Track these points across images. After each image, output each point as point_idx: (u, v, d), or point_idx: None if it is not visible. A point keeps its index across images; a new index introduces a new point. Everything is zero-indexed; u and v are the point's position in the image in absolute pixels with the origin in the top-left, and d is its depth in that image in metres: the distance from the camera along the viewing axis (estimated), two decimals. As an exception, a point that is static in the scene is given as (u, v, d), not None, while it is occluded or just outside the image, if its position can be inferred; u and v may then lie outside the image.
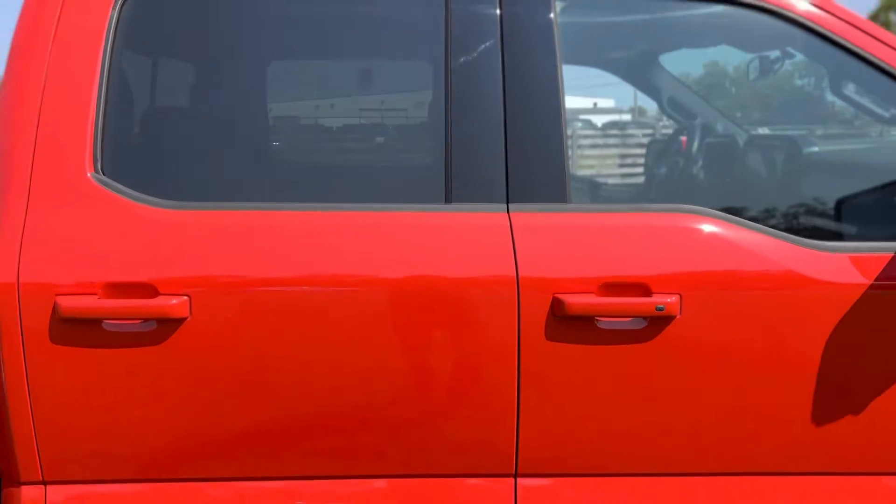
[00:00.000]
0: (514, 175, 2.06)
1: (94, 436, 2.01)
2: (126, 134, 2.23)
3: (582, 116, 19.88)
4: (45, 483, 2.02)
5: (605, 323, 2.01)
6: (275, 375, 2.00)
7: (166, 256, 1.97)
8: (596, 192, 4.06)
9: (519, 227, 2.03)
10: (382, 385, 2.02)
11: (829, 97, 2.79)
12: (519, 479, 2.09)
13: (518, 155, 2.07)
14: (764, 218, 2.27)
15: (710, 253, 2.05)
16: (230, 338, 1.97)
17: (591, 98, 22.23)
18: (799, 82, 8.86)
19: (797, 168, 3.02)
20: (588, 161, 15.08)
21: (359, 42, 2.42)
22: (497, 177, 2.07)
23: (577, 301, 1.98)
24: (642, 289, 2.00)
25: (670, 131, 3.87)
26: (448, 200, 2.06)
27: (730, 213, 2.12)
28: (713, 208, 2.12)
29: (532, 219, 2.04)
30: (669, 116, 3.62)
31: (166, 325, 1.94)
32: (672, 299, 1.99)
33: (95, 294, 1.93)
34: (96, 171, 2.01)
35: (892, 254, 2.05)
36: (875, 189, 2.34)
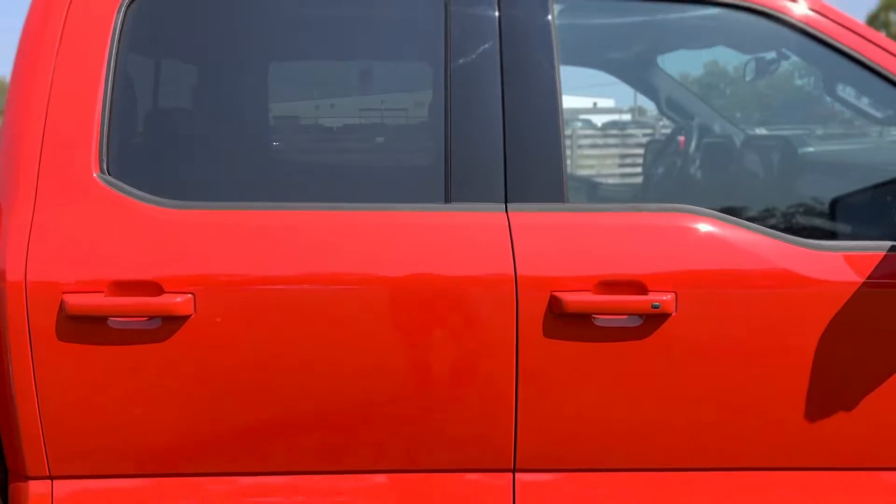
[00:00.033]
0: (512, 175, 2.09)
1: (100, 431, 2.04)
2: (131, 135, 2.25)
3: (582, 116, 19.88)
4: (51, 478, 2.05)
5: (601, 320, 2.04)
6: (277, 372, 2.03)
7: (171, 255, 2.00)
8: (593, 191, 4.09)
9: (517, 226, 2.06)
10: (383, 382, 2.05)
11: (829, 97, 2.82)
12: (517, 475, 2.12)
13: (516, 155, 2.10)
14: (759, 217, 2.29)
15: (705, 252, 2.08)
16: (233, 335, 2.00)
17: (591, 98, 22.23)
18: (799, 82, 8.88)
19: (793, 168, 3.05)
20: (588, 161, 15.08)
21: (360, 44, 2.44)
22: (496, 177, 2.09)
23: (574, 299, 2.01)
24: (638, 287, 2.03)
25: (670, 131, 3.89)
26: (448, 200, 2.09)
27: (726, 213, 2.15)
28: (710, 207, 2.14)
29: (530, 218, 2.07)
30: (667, 117, 3.64)
31: (171, 323, 1.97)
32: (668, 297, 2.02)
33: (101, 292, 1.96)
34: (102, 172, 2.04)
35: (884, 252, 2.08)
36: (868, 189, 2.37)
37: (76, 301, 1.95)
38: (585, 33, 2.82)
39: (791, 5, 2.19)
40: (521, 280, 2.02)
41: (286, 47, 2.47)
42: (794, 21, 2.19)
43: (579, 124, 17.66)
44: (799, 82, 8.85)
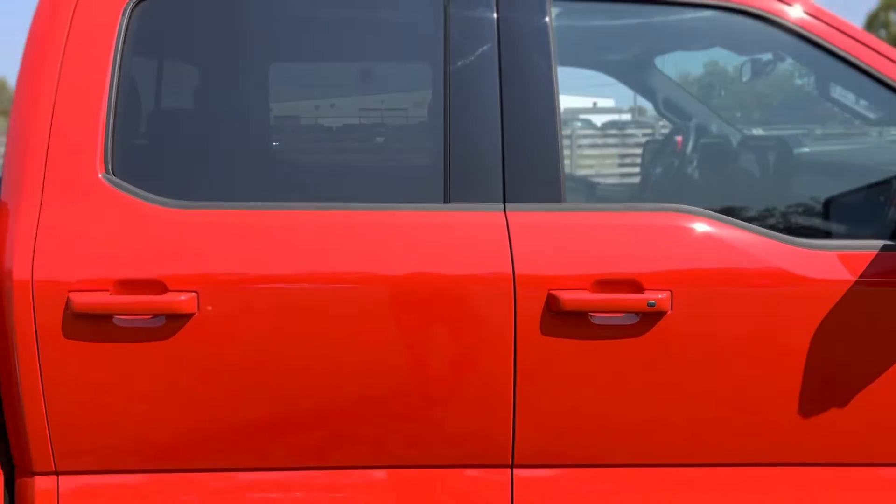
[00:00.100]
0: (510, 175, 2.12)
1: (105, 428, 2.06)
2: (136, 136, 2.28)
3: (582, 116, 19.90)
4: (57, 473, 2.08)
5: (598, 318, 2.07)
6: (278, 369, 2.05)
7: (174, 254, 2.03)
8: (590, 191, 4.12)
9: (515, 225, 2.09)
10: (383, 379, 2.07)
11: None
12: (515, 470, 2.15)
13: (515, 156, 2.13)
14: (754, 217, 2.32)
15: (700, 251, 2.11)
16: (236, 333, 2.03)
17: (590, 97, 22.26)
18: (799, 82, 8.90)
19: (788, 168, 3.08)
20: (588, 160, 15.10)
21: (360, 45, 2.47)
22: (494, 177, 2.12)
23: (571, 297, 2.04)
24: (634, 285, 2.06)
25: (668, 131, 3.91)
26: (447, 200, 2.12)
27: (721, 212, 2.18)
28: (706, 207, 2.17)
29: (528, 218, 2.10)
30: (665, 117, 3.67)
31: (175, 321, 2.00)
32: (663, 295, 2.05)
33: (107, 290, 1.99)
34: (107, 172, 2.06)
35: (876, 251, 2.11)
36: (862, 189, 2.40)
37: (82, 299, 1.98)
38: (583, 35, 2.84)
39: (785, 8, 2.22)
40: (519, 279, 2.05)
41: (288, 49, 2.50)
42: (788, 24, 2.22)
43: (579, 124, 17.68)
44: (799, 82, 8.86)
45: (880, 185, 2.31)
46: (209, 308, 2.00)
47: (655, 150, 3.95)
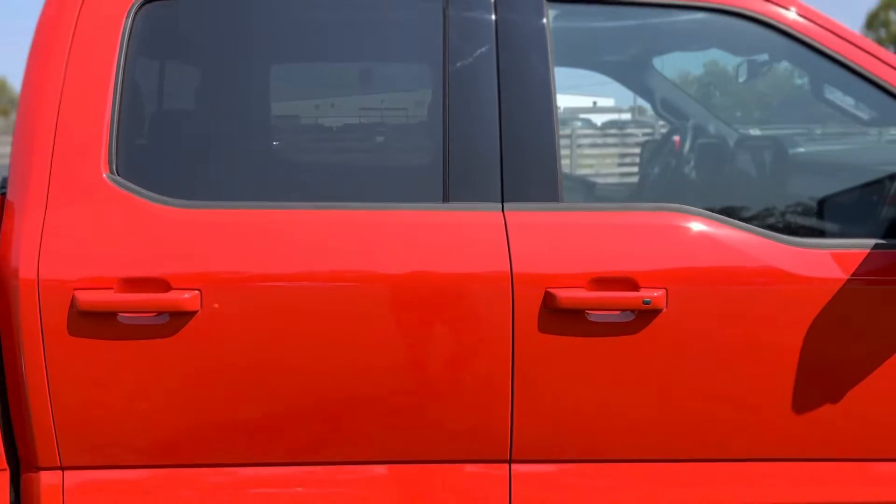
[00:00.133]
0: (508, 175, 2.15)
1: (110, 423, 2.09)
2: (139, 136, 2.30)
3: (582, 115, 19.89)
4: (62, 469, 2.10)
5: (594, 316, 2.10)
6: (279, 366, 2.08)
7: (178, 253, 2.06)
8: (589, 190, 4.14)
9: (513, 224, 2.12)
10: (382, 375, 2.10)
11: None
12: (513, 465, 2.18)
13: (513, 156, 2.16)
14: (749, 216, 2.35)
15: (695, 249, 2.14)
16: (238, 330, 2.06)
17: (591, 97, 22.25)
18: (799, 81, 8.90)
19: (783, 168, 3.10)
20: (587, 160, 15.10)
21: (360, 47, 2.49)
22: (492, 177, 2.15)
23: (568, 295, 2.07)
24: (630, 283, 2.09)
25: (666, 131, 3.94)
26: (446, 199, 2.15)
27: (717, 211, 2.20)
28: (702, 206, 2.20)
29: (525, 217, 2.13)
30: (662, 118, 3.70)
31: (178, 318, 2.03)
32: (658, 293, 2.08)
33: (111, 288, 2.02)
34: (111, 172, 2.09)
35: (868, 250, 2.14)
36: (855, 188, 2.43)
37: (87, 297, 2.00)
38: (580, 36, 2.87)
39: (779, 10, 2.25)
40: (516, 277, 2.08)
41: (290, 51, 2.52)
42: (781, 26, 2.24)
43: (579, 123, 17.68)
44: (799, 82, 8.86)
45: (873, 184, 2.34)
46: (215, 305, 2.03)
47: (653, 150, 3.97)
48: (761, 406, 2.18)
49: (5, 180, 2.53)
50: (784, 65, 2.95)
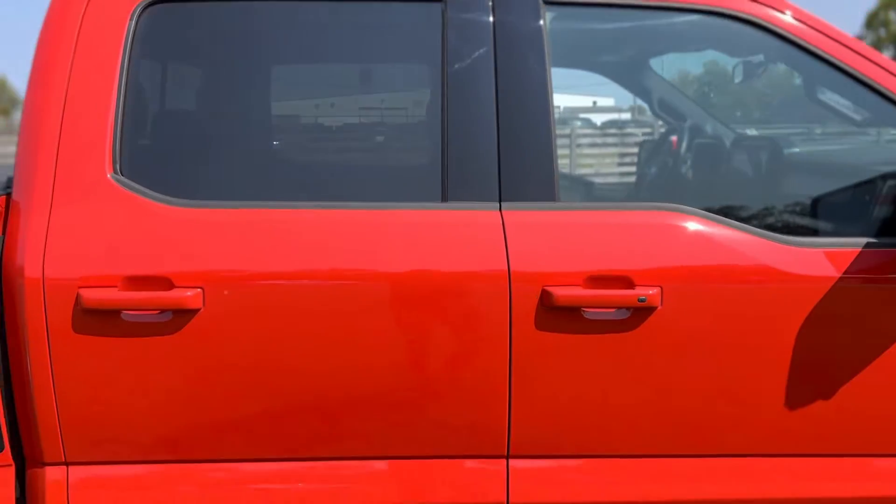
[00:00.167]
0: (506, 175, 2.18)
1: (114, 419, 2.12)
2: (143, 136, 2.33)
3: (582, 115, 19.87)
4: (66, 464, 2.13)
5: (590, 313, 2.13)
6: (280, 363, 2.11)
7: (181, 252, 2.09)
8: (587, 190, 4.17)
9: (511, 224, 2.15)
10: (382, 372, 2.13)
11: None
12: (511, 461, 2.21)
13: (510, 156, 2.19)
14: (744, 215, 2.37)
15: (690, 248, 2.17)
16: (240, 328, 2.09)
17: (590, 96, 22.22)
18: (798, 81, 8.90)
19: (778, 168, 3.14)
20: (587, 160, 15.11)
21: (359, 49, 2.52)
22: (490, 177, 2.18)
23: (564, 293, 2.10)
24: (626, 281, 2.12)
25: (664, 131, 3.97)
26: (445, 199, 2.18)
27: (712, 211, 2.23)
28: (698, 205, 2.23)
29: (523, 216, 2.16)
30: (659, 118, 3.73)
31: (181, 316, 2.06)
32: (653, 291, 2.11)
33: (115, 287, 2.05)
34: (115, 172, 2.12)
35: (859, 249, 2.18)
36: (848, 188, 2.47)
37: (91, 295, 2.03)
38: (577, 38, 2.90)
39: (773, 13, 2.28)
40: (514, 275, 2.11)
41: (291, 52, 2.56)
42: (775, 28, 2.27)
43: (579, 123, 17.67)
44: (798, 81, 8.86)
45: (865, 184, 2.37)
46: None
47: (651, 150, 4.01)
48: (755, 402, 2.21)
49: (10, 180, 2.56)
50: (780, 66, 2.97)
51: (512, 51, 2.24)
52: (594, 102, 22.71)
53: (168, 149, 2.38)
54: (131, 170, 2.14)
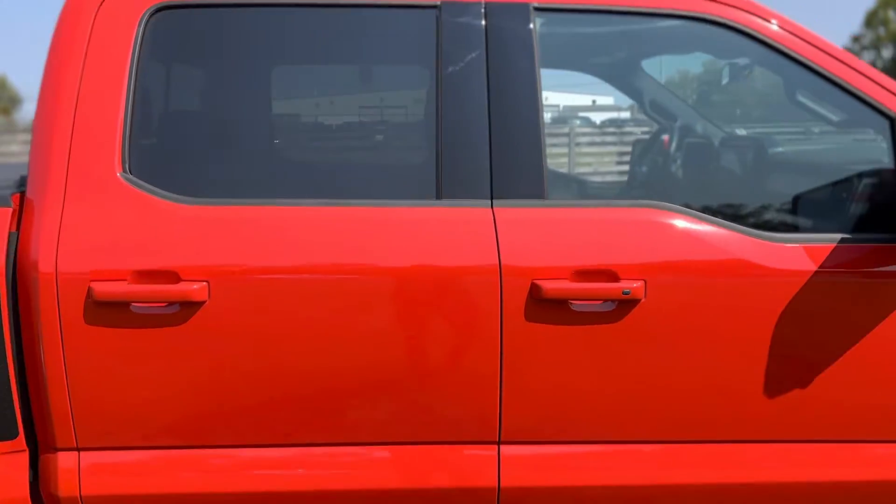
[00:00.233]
0: (497, 174, 2.27)
1: (123, 407, 2.21)
2: (151, 137, 2.42)
3: (581, 114, 19.91)
4: (78, 449, 2.22)
5: (578, 306, 2.22)
6: (282, 353, 2.20)
7: (187, 247, 2.17)
8: (576, 188, 4.24)
9: (502, 220, 2.24)
10: (379, 362, 2.22)
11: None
12: (502, 447, 2.30)
13: (501, 156, 2.28)
14: (728, 212, 2.46)
15: (673, 243, 2.26)
16: (243, 319, 2.18)
17: (590, 95, 22.26)
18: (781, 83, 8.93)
19: (762, 166, 3.22)
20: (586, 158, 15.13)
21: (359, 51, 2.61)
22: (482, 175, 2.27)
23: (552, 286, 2.19)
24: (611, 275, 2.21)
25: (655, 130, 4.03)
26: (439, 197, 2.27)
27: (698, 207, 2.32)
28: (685, 203, 2.32)
29: (513, 213, 2.25)
30: (651, 118, 3.81)
31: (188, 308, 2.15)
32: (637, 285, 2.20)
33: (125, 280, 2.14)
34: (125, 171, 2.21)
35: (834, 244, 2.27)
36: (827, 186, 2.56)
37: (102, 288, 2.12)
38: (566, 41, 2.97)
39: (757, 20, 2.36)
40: (504, 269, 2.20)
41: (291, 56, 2.64)
42: (759, 35, 2.36)
43: (578, 122, 17.70)
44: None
45: (842, 182, 2.46)
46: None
47: (643, 149, 4.09)
48: (734, 390, 2.30)
49: (24, 179, 2.66)
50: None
51: (503, 54, 2.32)
52: (593, 101, 22.74)
53: (175, 148, 2.46)
54: (140, 169, 2.23)
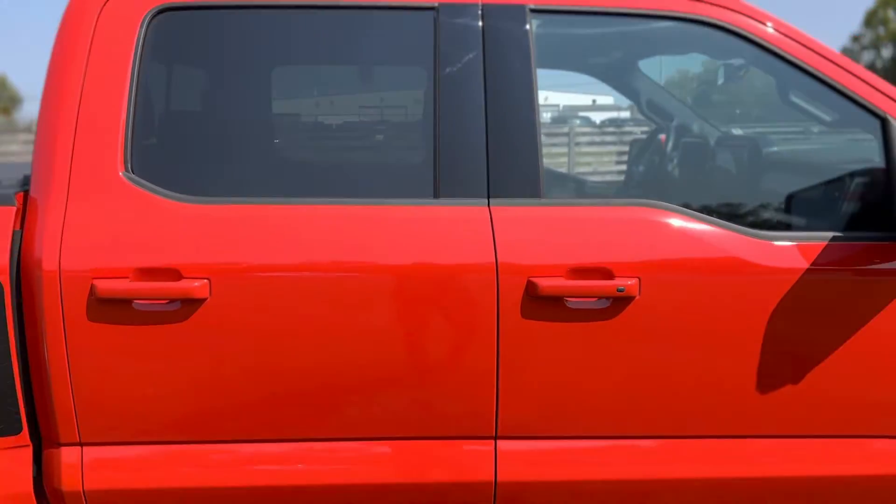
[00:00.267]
0: (494, 173, 2.30)
1: (125, 403, 2.24)
2: (152, 136, 2.44)
3: (581, 113, 19.90)
4: (81, 445, 2.25)
5: (573, 303, 2.25)
6: (282, 350, 2.23)
7: (188, 245, 2.20)
8: (573, 187, 4.26)
9: (498, 219, 2.27)
10: (377, 358, 2.25)
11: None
12: (498, 442, 2.33)
13: (498, 155, 2.31)
14: (723, 211, 2.49)
15: (667, 242, 2.29)
16: (244, 316, 2.21)
17: (590, 95, 22.25)
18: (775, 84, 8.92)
19: (756, 166, 3.25)
20: (586, 158, 15.13)
21: (358, 52, 2.63)
22: (479, 175, 2.30)
23: (548, 284, 2.22)
24: (606, 273, 2.24)
25: (651, 130, 4.06)
26: (436, 195, 2.30)
27: (693, 206, 2.35)
28: (680, 201, 2.35)
29: (510, 212, 2.28)
30: (647, 118, 3.84)
31: (189, 305, 2.18)
32: (632, 282, 2.23)
33: (127, 277, 2.17)
34: (127, 171, 2.25)
35: (826, 242, 2.30)
36: (820, 185, 2.59)
37: (105, 286, 2.15)
38: (562, 42, 3.00)
39: (750, 22, 2.39)
40: (501, 267, 2.23)
41: (291, 57, 2.67)
42: (752, 36, 2.39)
43: (577, 121, 17.70)
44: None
45: (836, 181, 2.49)
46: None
47: (640, 149, 4.11)
48: (728, 385, 2.33)
49: (27, 178, 2.69)
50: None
51: (500, 55, 2.35)
52: (594, 101, 22.73)
53: (176, 148, 2.49)
54: (142, 168, 2.26)
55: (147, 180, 2.25)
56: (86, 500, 2.27)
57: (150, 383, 2.23)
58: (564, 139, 15.17)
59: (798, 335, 2.32)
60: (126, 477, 2.29)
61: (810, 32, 2.44)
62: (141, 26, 2.30)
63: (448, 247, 2.26)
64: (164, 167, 2.35)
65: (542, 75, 2.41)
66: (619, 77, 3.68)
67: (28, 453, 2.25)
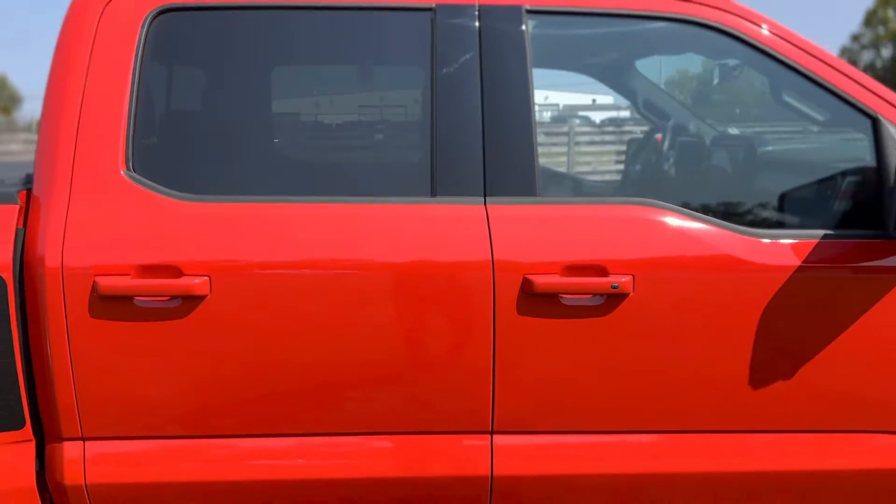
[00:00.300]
0: (490, 172, 2.33)
1: (127, 398, 2.27)
2: (153, 135, 2.47)
3: (581, 113, 19.90)
4: (83, 439, 2.28)
5: (568, 299, 2.28)
6: (282, 346, 2.26)
7: (189, 242, 2.23)
8: (570, 186, 4.29)
9: (494, 217, 2.30)
10: (375, 355, 2.28)
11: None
12: (494, 437, 2.36)
13: (494, 154, 2.34)
14: (717, 209, 2.52)
15: (660, 239, 2.32)
16: (244, 313, 2.23)
17: (590, 94, 22.25)
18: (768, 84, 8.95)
19: (750, 165, 3.28)
20: (585, 157, 15.14)
21: (356, 52, 2.66)
22: (476, 173, 2.33)
23: (543, 281, 2.26)
24: (600, 270, 2.27)
25: (648, 130, 4.08)
26: (433, 194, 2.33)
27: (688, 205, 2.38)
28: (676, 200, 2.38)
29: (506, 210, 2.31)
30: (644, 117, 3.86)
31: (190, 302, 2.21)
32: (626, 279, 2.27)
33: (129, 275, 2.20)
34: (128, 169, 2.28)
35: (817, 240, 2.34)
36: (812, 184, 2.62)
37: (107, 283, 2.18)
38: (558, 42, 3.03)
39: (743, 23, 2.42)
40: (497, 264, 2.26)
41: (290, 58, 2.70)
42: (745, 37, 2.42)
43: (577, 121, 17.70)
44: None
45: (828, 180, 2.52)
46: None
47: (637, 148, 4.14)
48: (722, 381, 2.36)
49: (30, 177, 2.72)
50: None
51: (496, 55, 2.38)
52: (593, 101, 22.73)
53: (177, 147, 2.52)
54: (143, 167, 2.29)
55: (148, 179, 2.28)
56: (88, 494, 2.30)
57: (151, 379, 2.26)
58: (564, 138, 15.19)
59: (790, 331, 2.35)
60: (128, 471, 2.32)
61: (810, 32, 2.48)
62: (142, 26, 2.33)
63: (445, 244, 2.29)
64: (165, 166, 2.38)
65: (541, 75, 2.44)
66: (616, 77, 3.71)
67: (31, 448, 2.28)
